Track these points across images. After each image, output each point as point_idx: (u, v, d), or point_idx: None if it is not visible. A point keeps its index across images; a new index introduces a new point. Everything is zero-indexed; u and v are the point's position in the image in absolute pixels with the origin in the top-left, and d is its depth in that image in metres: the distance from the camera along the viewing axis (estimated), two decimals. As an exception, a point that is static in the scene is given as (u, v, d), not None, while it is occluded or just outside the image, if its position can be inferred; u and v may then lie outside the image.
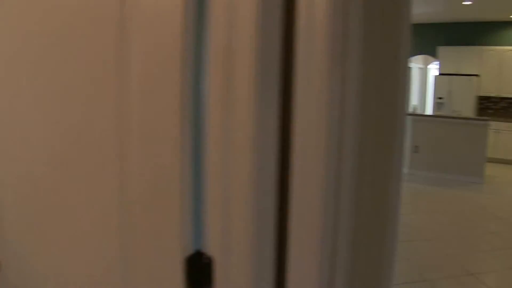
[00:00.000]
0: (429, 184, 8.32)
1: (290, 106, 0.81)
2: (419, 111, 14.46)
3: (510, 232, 5.89)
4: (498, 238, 5.63)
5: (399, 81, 0.96)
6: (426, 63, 14.32)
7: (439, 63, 11.40)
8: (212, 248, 0.88)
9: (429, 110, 11.34)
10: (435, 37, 11.61)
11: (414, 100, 14.07)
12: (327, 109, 0.78)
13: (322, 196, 0.79)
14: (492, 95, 10.83)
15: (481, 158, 8.50)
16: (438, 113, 10.88)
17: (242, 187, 0.81)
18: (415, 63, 13.66)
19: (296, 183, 0.81)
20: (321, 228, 0.80)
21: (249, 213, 0.82)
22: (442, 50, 11.26)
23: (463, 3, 9.03)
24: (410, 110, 10.29)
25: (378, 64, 0.91)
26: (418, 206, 7.03)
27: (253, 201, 0.81)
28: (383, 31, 0.91)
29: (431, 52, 11.69)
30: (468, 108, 10.62)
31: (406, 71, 0.99)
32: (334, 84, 0.77)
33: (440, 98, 10.98)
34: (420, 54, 12.16)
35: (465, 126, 8.61)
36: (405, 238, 5.46)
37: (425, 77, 14.32)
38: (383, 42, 0.91)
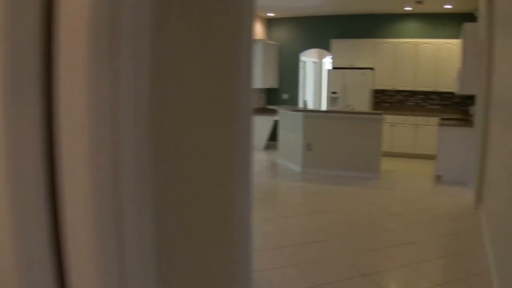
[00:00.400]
0: (323, 182, 7.58)
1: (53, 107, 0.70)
2: (315, 107, 14.00)
3: (404, 228, 5.34)
4: (393, 235, 5.10)
5: (240, 77, 0.92)
6: (321, 57, 13.81)
7: (332, 57, 10.82)
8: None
9: (324, 106, 10.71)
10: (328, 30, 11.06)
11: (309, 95, 13.51)
12: (90, 111, 0.66)
13: (94, 210, 0.69)
14: (387, 88, 10.41)
15: (376, 153, 7.90)
16: (332, 108, 10.29)
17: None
18: (309, 57, 13.09)
19: (66, 191, 0.69)
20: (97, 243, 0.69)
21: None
22: (335, 43, 10.70)
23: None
24: (301, 106, 9.55)
25: (205, 58, 0.83)
26: (311, 207, 6.24)
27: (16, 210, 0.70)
28: (214, 22, 0.83)
29: (325, 45, 11.12)
30: (363, 102, 10.09)
31: (249, 64, 0.95)
32: (100, 83, 0.66)
33: (334, 92, 10.39)
34: (313, 48, 11.57)
35: (359, 121, 7.98)
36: (295, 242, 4.82)
37: (320, 72, 13.82)
38: (214, 33, 0.84)
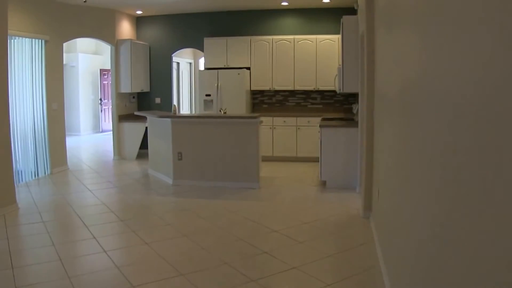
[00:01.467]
0: (197, 196, 6.68)
1: None
2: (190, 112, 13.07)
3: (286, 248, 4.43)
4: (273, 260, 4.19)
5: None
6: (196, 58, 12.92)
7: (205, 56, 9.95)
8: None
9: (199, 110, 9.81)
10: (201, 28, 10.18)
11: (184, 99, 12.55)
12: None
13: None
14: (265, 88, 9.72)
15: (254, 160, 7.13)
16: (205, 112, 9.41)
17: None
18: (183, 58, 12.15)
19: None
20: None
21: None
22: (208, 42, 9.84)
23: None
24: (171, 111, 8.56)
25: None
26: (179, 228, 5.30)
27: None
28: None
29: (198, 45, 10.23)
30: (240, 105, 9.31)
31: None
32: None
33: (207, 95, 9.51)
34: (186, 47, 10.62)
35: (234, 125, 7.18)
36: (154, 277, 3.81)
37: (195, 74, 12.92)
38: None
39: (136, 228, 5.24)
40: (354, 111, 7.78)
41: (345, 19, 6.98)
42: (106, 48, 16.34)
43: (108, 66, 16.27)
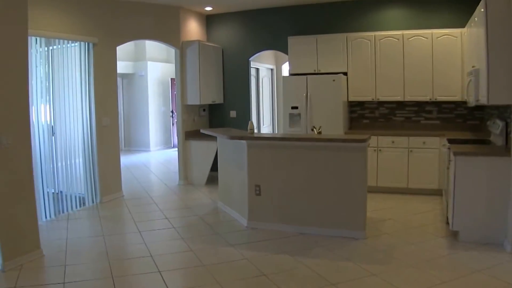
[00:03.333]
0: (277, 248, 4.80)
1: None
2: (272, 129, 11.20)
3: None
4: None
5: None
6: (279, 62, 11.08)
7: (289, 60, 8.06)
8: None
9: (283, 127, 7.93)
10: (284, 26, 8.35)
11: (266, 112, 10.75)
12: None
13: None
14: (367, 99, 7.67)
15: (359, 198, 5.13)
16: (292, 131, 7.50)
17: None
18: (263, 63, 10.35)
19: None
20: None
21: None
22: (292, 41, 7.96)
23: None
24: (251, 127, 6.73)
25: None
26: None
27: None
28: None
29: (281, 46, 8.40)
30: (335, 120, 7.33)
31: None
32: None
33: (294, 107, 7.60)
34: (266, 50, 8.81)
35: (333, 151, 5.23)
36: None
37: (276, 81, 11.07)
38: None
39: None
40: (496, 131, 5.56)
41: (490, 1, 4.84)
42: (178, 56, 14.95)
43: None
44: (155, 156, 12.89)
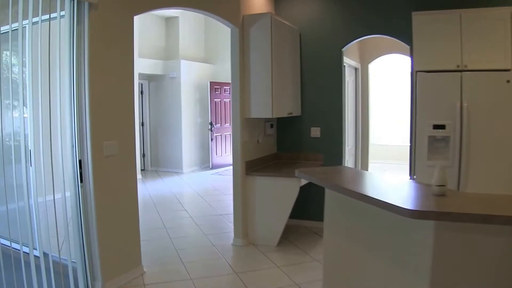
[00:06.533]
0: None
1: None
2: (352, 153, 7.97)
3: None
4: None
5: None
6: (365, 58, 7.98)
7: (415, 49, 4.86)
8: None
9: (416, 158, 4.81)
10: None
11: (350, 130, 7.66)
12: None
13: None
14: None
15: None
16: (434, 165, 4.36)
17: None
18: (348, 59, 7.27)
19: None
20: None
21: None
22: (420, 20, 4.84)
23: None
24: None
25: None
26: None
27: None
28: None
29: (395, 28, 5.35)
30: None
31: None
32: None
33: (438, 127, 4.46)
34: (370, 36, 5.72)
35: None
36: None
37: (362, 85, 7.89)
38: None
39: None
40: None
41: None
42: (219, 55, 11.95)
43: (221, 78, 11.88)
44: (189, 181, 9.88)
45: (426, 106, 4.56)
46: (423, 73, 4.64)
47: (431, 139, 4.52)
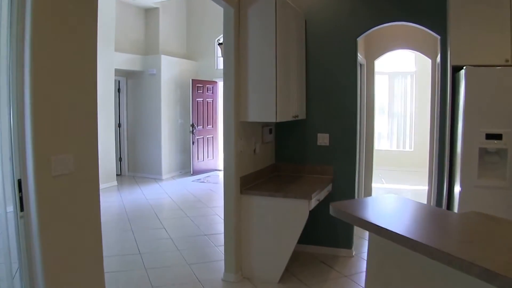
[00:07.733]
0: None
1: None
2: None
3: None
4: None
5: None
6: (370, 53, 7.03)
7: (452, 39, 3.91)
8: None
9: (462, 176, 3.84)
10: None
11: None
12: None
13: None
14: None
15: None
16: (486, 186, 3.39)
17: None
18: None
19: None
20: None
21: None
22: (458, 2, 3.88)
23: None
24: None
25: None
26: None
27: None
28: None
29: (424, 15, 4.40)
30: None
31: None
32: None
33: (493, 136, 3.50)
34: (391, 22, 4.74)
35: None
36: None
37: (367, 84, 6.89)
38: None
39: None
40: None
41: None
42: (202, 51, 10.88)
43: (204, 76, 10.84)
44: (169, 189, 8.83)
45: (477, 110, 3.57)
46: (473, 67, 3.65)
47: (481, 151, 3.54)
